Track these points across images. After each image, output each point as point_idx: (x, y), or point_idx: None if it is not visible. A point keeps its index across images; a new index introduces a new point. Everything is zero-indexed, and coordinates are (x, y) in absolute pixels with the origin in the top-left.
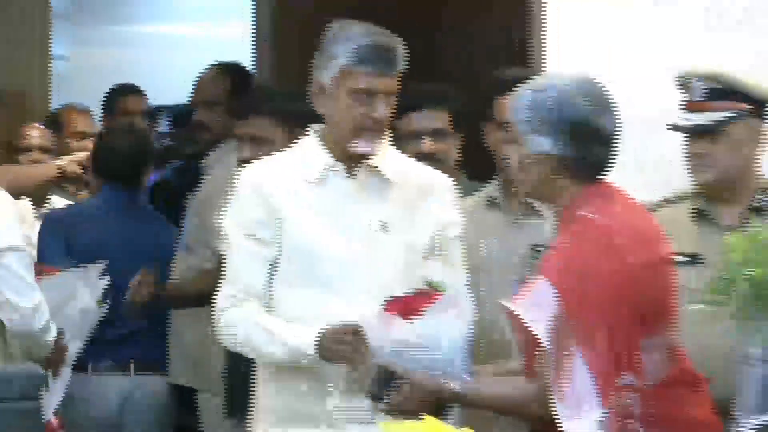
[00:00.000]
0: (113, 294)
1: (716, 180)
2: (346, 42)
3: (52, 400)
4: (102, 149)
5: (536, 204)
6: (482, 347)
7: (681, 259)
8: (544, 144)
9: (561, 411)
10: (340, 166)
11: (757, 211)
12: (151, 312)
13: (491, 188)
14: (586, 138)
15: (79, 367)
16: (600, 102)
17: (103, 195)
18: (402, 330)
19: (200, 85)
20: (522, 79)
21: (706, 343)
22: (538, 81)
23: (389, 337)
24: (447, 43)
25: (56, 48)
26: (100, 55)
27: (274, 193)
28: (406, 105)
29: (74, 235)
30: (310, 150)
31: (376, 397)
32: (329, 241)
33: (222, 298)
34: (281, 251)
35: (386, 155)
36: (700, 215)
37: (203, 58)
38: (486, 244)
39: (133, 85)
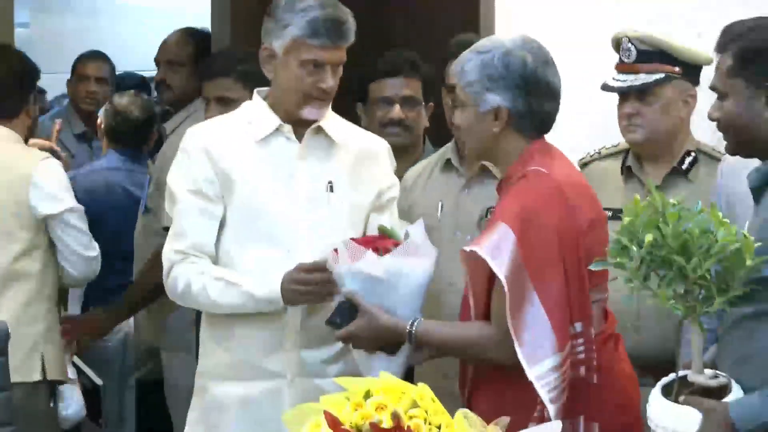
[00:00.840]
0: None
1: (645, 140)
2: (299, 13)
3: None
4: (114, 116)
5: (491, 166)
6: (432, 306)
7: (607, 213)
8: (496, 100)
9: (521, 355)
10: (287, 127)
11: (684, 172)
12: None
13: (446, 150)
14: (537, 92)
15: None
16: (545, 58)
17: (109, 157)
18: (370, 263)
19: (165, 46)
20: (470, 43)
21: (615, 298)
22: (481, 43)
23: (356, 267)
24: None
25: (18, 15)
26: (60, 22)
27: (222, 153)
28: (379, 71)
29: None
30: (257, 112)
31: (335, 324)
32: (278, 200)
33: (170, 252)
34: (231, 210)
35: (330, 118)
36: (628, 172)
37: (161, 26)
38: (441, 206)
39: (98, 51)
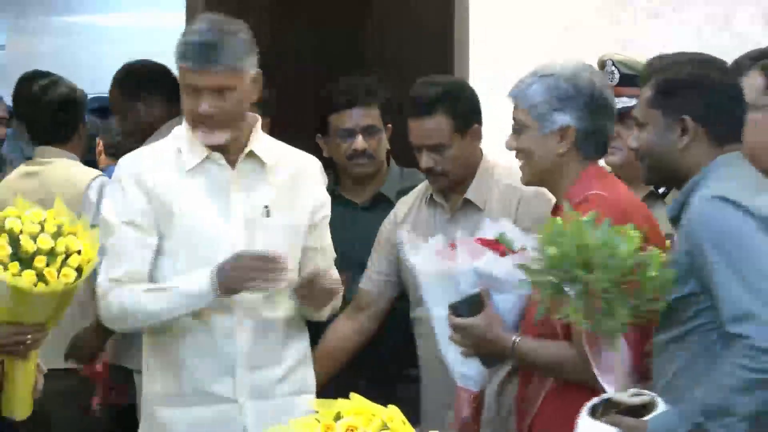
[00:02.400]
0: None
1: (623, 162)
2: (181, 37)
3: None
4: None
5: (473, 199)
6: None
7: None
8: (565, 119)
9: (600, 377)
10: (217, 155)
11: (662, 195)
12: None
13: (425, 187)
14: (603, 111)
15: None
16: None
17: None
18: (490, 262)
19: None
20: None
21: None
22: (540, 68)
23: (474, 264)
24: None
25: None
26: (36, 44)
27: (156, 183)
28: (337, 102)
29: None
30: (186, 140)
31: (457, 311)
32: (216, 228)
33: (104, 282)
34: (170, 239)
35: (262, 140)
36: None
37: (136, 48)
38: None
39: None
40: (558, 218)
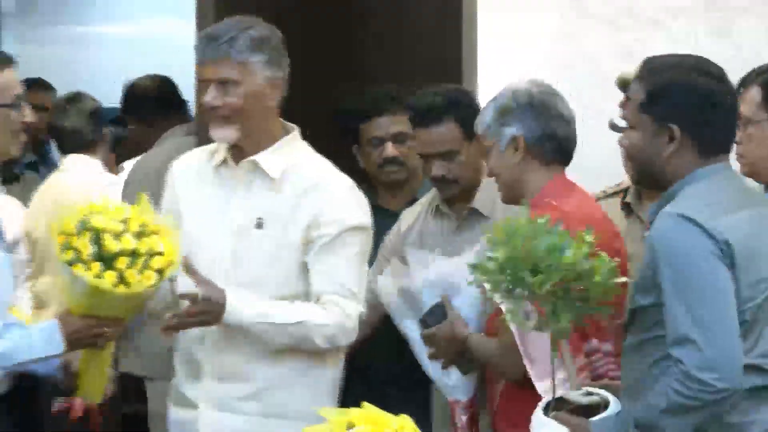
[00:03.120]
0: None
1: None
2: None
3: None
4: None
5: (480, 208)
6: None
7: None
8: (512, 131)
9: (531, 372)
10: (231, 160)
11: None
12: None
13: (434, 197)
14: (547, 115)
15: None
16: (552, 90)
17: None
18: (441, 267)
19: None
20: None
21: None
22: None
23: (426, 274)
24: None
25: (4, 46)
26: (47, 53)
27: (179, 184)
28: (365, 111)
29: None
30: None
31: (425, 324)
32: (204, 235)
33: None
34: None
35: (274, 150)
36: (627, 209)
37: (147, 58)
38: (438, 252)
39: (39, 79)
40: (510, 219)
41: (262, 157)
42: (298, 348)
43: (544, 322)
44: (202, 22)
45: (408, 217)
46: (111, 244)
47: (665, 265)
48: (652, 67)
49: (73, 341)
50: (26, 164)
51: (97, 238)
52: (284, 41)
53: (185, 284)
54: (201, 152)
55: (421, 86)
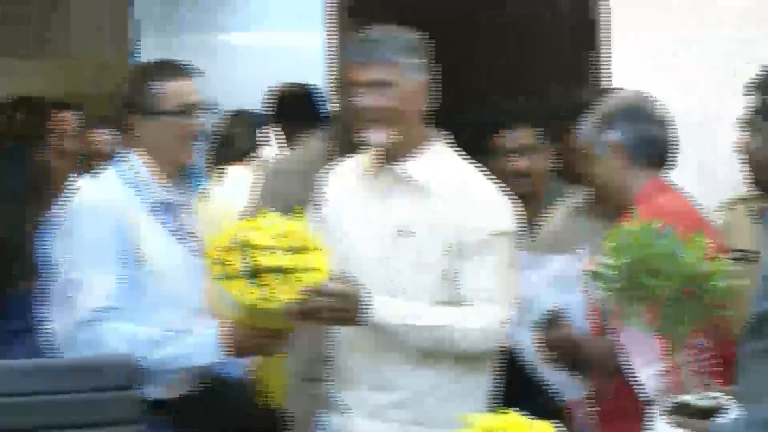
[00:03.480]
0: None
1: None
2: None
3: None
4: None
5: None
6: None
7: (735, 254)
8: (609, 137)
9: (634, 361)
10: (375, 166)
11: None
12: None
13: (577, 199)
14: (642, 119)
15: None
16: (646, 96)
17: None
18: (565, 264)
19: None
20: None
21: None
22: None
23: (550, 273)
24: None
25: (143, 55)
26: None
27: (327, 195)
28: (495, 124)
29: None
30: (367, 150)
31: (542, 327)
32: (352, 244)
33: None
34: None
35: (420, 157)
36: (757, 213)
37: (281, 67)
38: (585, 249)
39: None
40: (625, 226)
41: (408, 164)
42: (443, 352)
43: (664, 326)
44: (332, 33)
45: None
46: (260, 260)
47: None
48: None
49: (234, 351)
50: None
51: (247, 253)
52: (429, 49)
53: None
54: (348, 162)
55: (550, 99)
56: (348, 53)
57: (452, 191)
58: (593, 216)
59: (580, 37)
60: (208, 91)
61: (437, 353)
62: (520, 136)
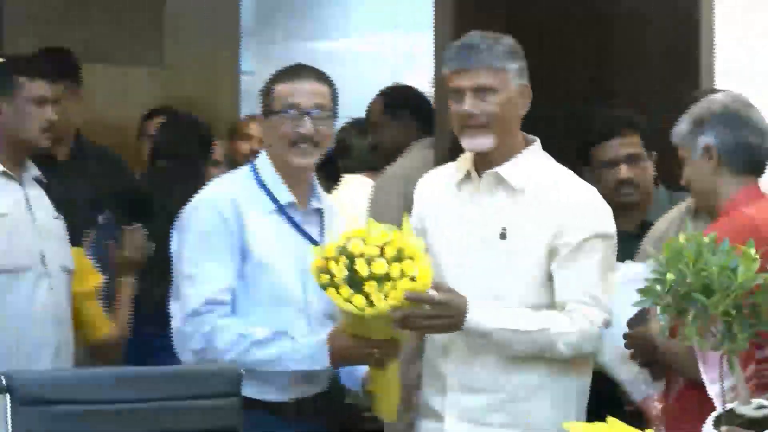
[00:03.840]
0: None
1: None
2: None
3: None
4: None
5: None
6: None
7: None
8: (705, 140)
9: (704, 374)
10: (474, 173)
11: None
12: None
13: (685, 205)
14: (740, 125)
15: None
16: (745, 101)
17: None
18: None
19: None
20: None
21: None
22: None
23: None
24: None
25: (244, 63)
26: None
27: (425, 201)
28: (597, 134)
29: None
30: (463, 157)
31: (631, 324)
32: (450, 249)
33: None
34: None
35: (517, 161)
36: None
37: (385, 71)
38: None
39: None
40: (677, 240)
41: (504, 168)
42: (541, 356)
43: (720, 341)
44: (440, 37)
45: (662, 223)
46: (362, 269)
47: None
48: None
49: (340, 359)
50: None
51: (351, 262)
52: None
53: None
54: (445, 169)
55: (654, 106)
56: (451, 58)
57: (550, 194)
58: (700, 221)
59: (682, 37)
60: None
61: (536, 357)
62: (627, 143)
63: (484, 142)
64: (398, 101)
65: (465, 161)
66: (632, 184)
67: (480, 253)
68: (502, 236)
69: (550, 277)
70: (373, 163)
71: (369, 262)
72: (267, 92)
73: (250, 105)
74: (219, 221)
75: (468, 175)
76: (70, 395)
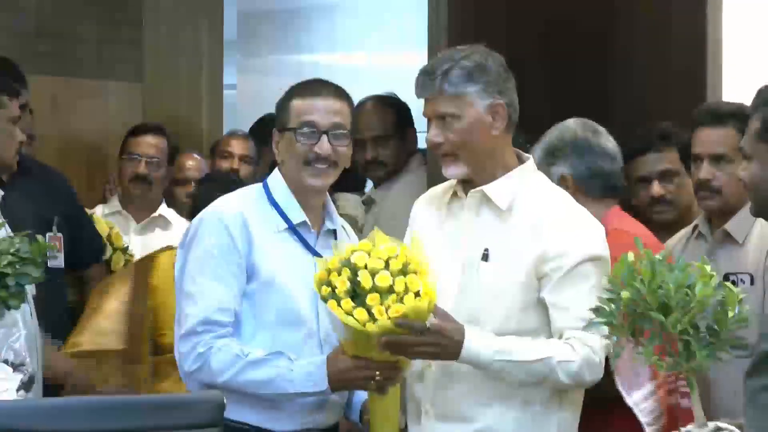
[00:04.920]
0: None
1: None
2: None
3: None
4: None
5: (734, 233)
6: None
7: None
8: (559, 170)
9: (620, 383)
10: (461, 192)
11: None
12: None
13: (699, 220)
14: (591, 154)
15: None
16: (594, 128)
17: None
18: None
19: (365, 123)
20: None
21: None
22: None
23: None
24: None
25: (226, 77)
26: (266, 83)
27: (417, 221)
28: (632, 149)
29: None
30: None
31: None
32: (435, 268)
33: None
34: None
35: (504, 180)
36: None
37: (367, 87)
38: None
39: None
40: (626, 259)
41: (490, 188)
42: (540, 385)
43: (678, 361)
44: (434, 52)
45: (672, 241)
46: (366, 281)
47: None
48: (765, 96)
49: (339, 382)
50: None
51: (354, 275)
52: (504, 64)
53: None
54: (439, 188)
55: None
56: (415, 86)
57: (536, 216)
58: (701, 241)
59: (689, 54)
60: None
61: (534, 385)
62: (661, 159)
63: (457, 170)
64: (407, 113)
65: (455, 181)
66: (666, 202)
67: (461, 274)
68: (485, 257)
69: (535, 303)
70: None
71: (373, 274)
72: (283, 107)
73: (233, 119)
74: (225, 238)
75: (456, 195)
76: (42, 426)
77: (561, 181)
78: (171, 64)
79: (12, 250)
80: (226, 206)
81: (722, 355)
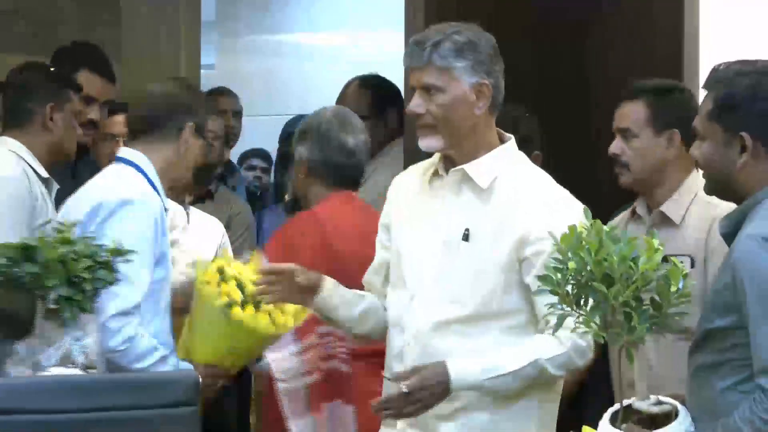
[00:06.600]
0: None
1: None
2: None
3: None
4: None
5: (670, 215)
6: None
7: None
8: (301, 152)
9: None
10: (442, 171)
11: None
12: None
13: (636, 203)
14: (328, 146)
15: None
16: (344, 121)
17: None
18: None
19: (345, 103)
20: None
21: None
22: None
23: None
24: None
25: (204, 57)
26: (245, 63)
27: (394, 200)
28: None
29: None
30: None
31: None
32: (413, 249)
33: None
34: (390, 252)
35: (485, 159)
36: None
37: (346, 68)
38: None
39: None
40: (578, 228)
41: (471, 166)
42: (536, 384)
43: (619, 333)
44: (410, 32)
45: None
46: (251, 288)
47: (751, 290)
48: (718, 75)
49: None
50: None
51: (240, 285)
52: (495, 46)
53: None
54: (419, 167)
55: None
56: (405, 54)
57: (517, 196)
58: (640, 224)
59: (665, 48)
60: (275, 94)
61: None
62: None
63: (432, 142)
64: (389, 94)
65: (436, 159)
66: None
67: (441, 254)
68: (465, 238)
69: (517, 284)
70: None
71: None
72: None
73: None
74: (153, 225)
75: (436, 174)
76: (20, 405)
77: (297, 164)
78: (150, 45)
79: (89, 253)
80: (144, 190)
81: (663, 333)
